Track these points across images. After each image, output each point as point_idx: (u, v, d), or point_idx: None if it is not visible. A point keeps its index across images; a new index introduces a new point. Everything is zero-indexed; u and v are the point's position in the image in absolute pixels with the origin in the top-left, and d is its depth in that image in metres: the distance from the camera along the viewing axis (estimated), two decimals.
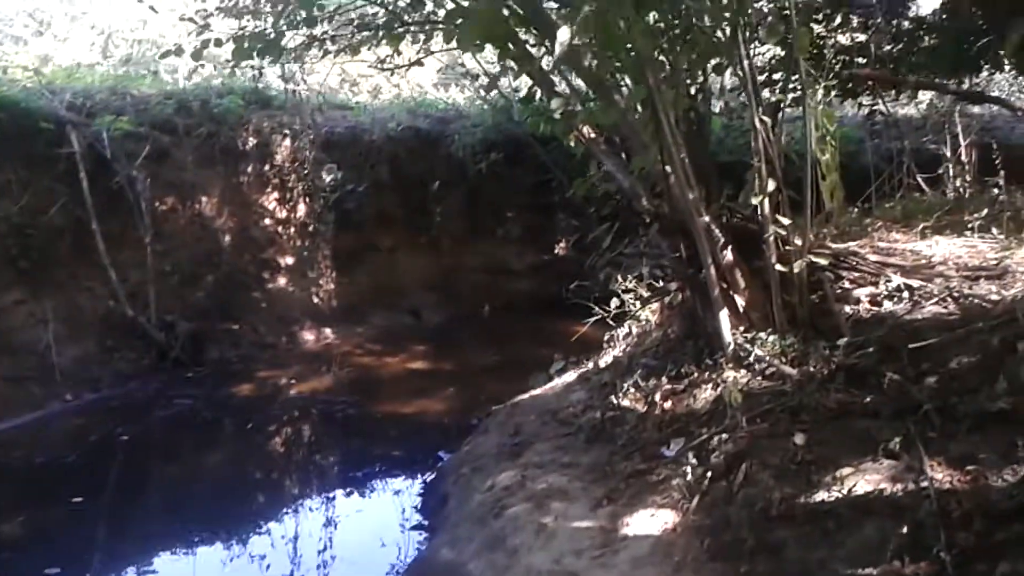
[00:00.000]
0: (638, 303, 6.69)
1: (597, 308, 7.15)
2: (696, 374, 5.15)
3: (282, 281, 11.78)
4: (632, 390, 5.35)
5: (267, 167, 12.11)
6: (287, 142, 12.35)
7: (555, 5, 5.64)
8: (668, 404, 5.02)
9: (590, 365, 6.81)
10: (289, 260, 11.95)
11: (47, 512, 5.76)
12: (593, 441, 5.14)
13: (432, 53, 7.00)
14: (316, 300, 12.03)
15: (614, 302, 6.94)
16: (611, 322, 7.01)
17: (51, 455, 6.74)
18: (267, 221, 11.94)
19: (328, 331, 11.70)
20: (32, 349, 8.49)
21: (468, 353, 10.80)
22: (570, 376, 6.83)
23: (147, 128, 10.76)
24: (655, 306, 6.56)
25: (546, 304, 13.77)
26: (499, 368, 9.97)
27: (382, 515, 6.01)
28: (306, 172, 12.37)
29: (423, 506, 5.86)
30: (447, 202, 13.66)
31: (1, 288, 8.64)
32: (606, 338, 7.18)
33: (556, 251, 14.10)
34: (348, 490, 6.56)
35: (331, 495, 6.49)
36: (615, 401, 5.34)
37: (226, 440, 7.52)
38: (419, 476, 6.47)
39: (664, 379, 5.24)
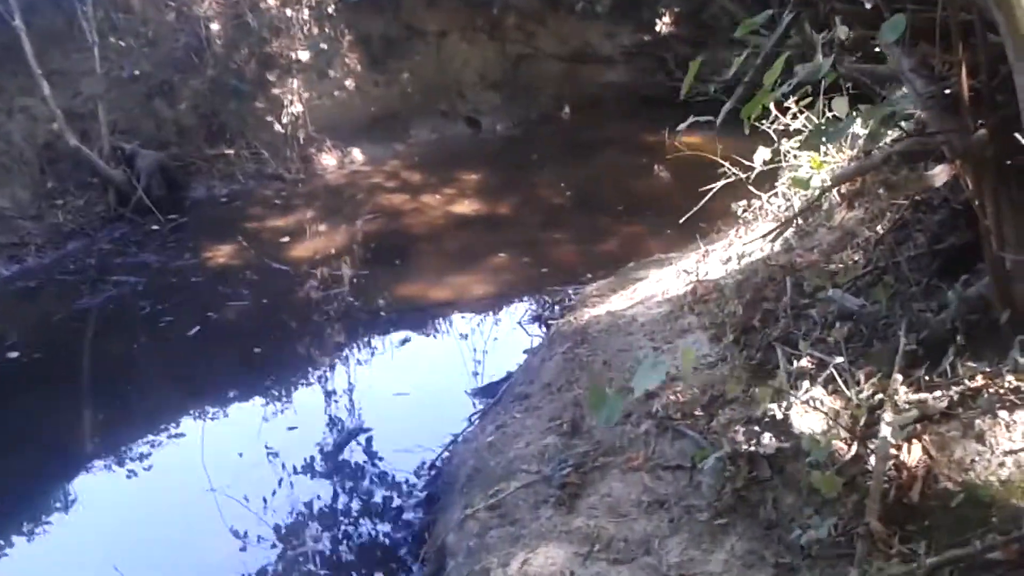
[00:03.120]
0: (819, 165, 3.67)
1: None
2: (983, 377, 2.23)
3: (293, 84, 8.91)
4: (819, 388, 2.50)
5: None
6: None
7: None
8: (916, 454, 2.17)
9: (713, 255, 3.94)
10: (303, 55, 9.00)
11: None
12: (735, 515, 2.37)
13: None
14: (340, 109, 9.17)
15: (760, 155, 3.97)
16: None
17: None
18: (270, 2, 8.91)
19: (356, 152, 8.93)
20: None
21: (536, 183, 7.91)
22: (675, 267, 3.99)
23: None
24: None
25: (647, 103, 10.59)
26: (576, 213, 7.11)
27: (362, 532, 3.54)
28: None
29: (414, 538, 3.35)
30: None
31: None
32: (739, 212, 4.26)
33: (659, 28, 10.64)
34: (305, 473, 4.05)
35: (278, 485, 4.01)
36: (778, 411, 2.51)
37: (141, 360, 5.02)
38: (425, 455, 3.88)
39: (897, 376, 2.34)
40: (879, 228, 3.07)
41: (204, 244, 6.65)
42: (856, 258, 3.00)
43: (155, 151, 7.63)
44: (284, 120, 8.54)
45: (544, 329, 4.79)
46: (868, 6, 2.48)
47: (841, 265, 3.01)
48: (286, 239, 6.69)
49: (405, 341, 5.13)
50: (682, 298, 3.65)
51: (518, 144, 9.48)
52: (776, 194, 4.16)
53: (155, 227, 7.01)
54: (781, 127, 4.00)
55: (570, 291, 5.14)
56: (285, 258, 6.34)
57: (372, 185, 8.06)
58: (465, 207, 7.27)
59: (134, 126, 7.86)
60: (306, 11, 9.12)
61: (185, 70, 8.21)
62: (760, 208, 4.24)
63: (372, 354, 5.10)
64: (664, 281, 4.13)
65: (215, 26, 8.50)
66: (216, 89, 8.26)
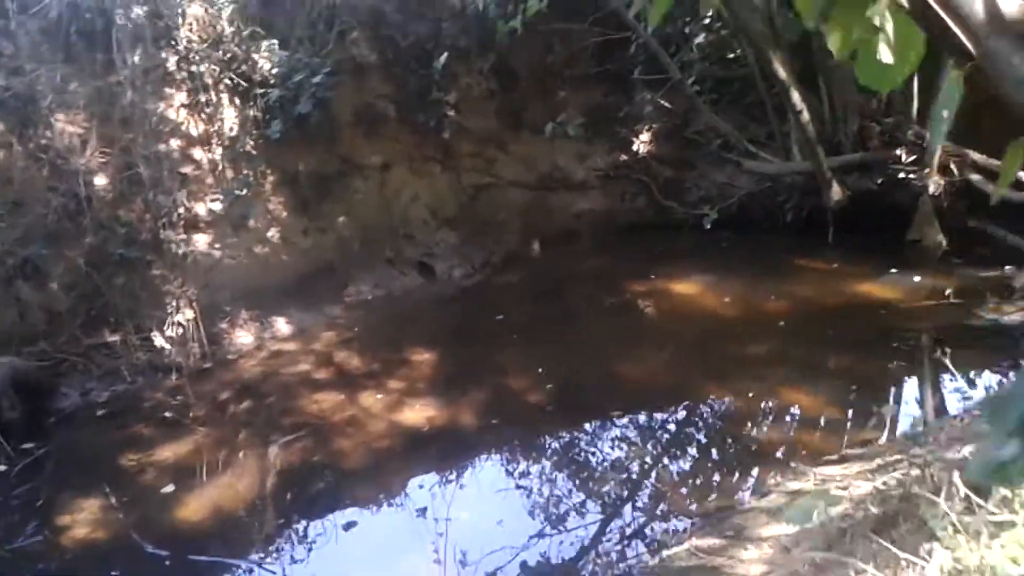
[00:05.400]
0: None
1: None
2: None
3: (201, 243, 7.26)
4: None
5: (164, 54, 7.37)
6: (195, 8, 7.54)
7: None
8: None
9: None
10: (213, 205, 7.39)
11: None
12: None
13: None
14: (261, 268, 7.52)
15: None
16: None
17: None
18: (171, 144, 7.30)
19: (280, 323, 7.25)
20: None
21: (505, 367, 6.24)
22: None
23: None
24: None
25: (627, 231, 9.12)
26: (559, 421, 5.42)
27: None
28: (229, 56, 7.61)
29: None
30: (465, 84, 8.84)
31: None
32: None
33: (637, 147, 9.23)
34: None
35: None
36: None
37: None
38: None
39: None
40: None
41: (60, 502, 4.84)
42: None
43: (13, 355, 5.89)
44: (186, 292, 6.85)
45: None
46: None
47: None
48: (171, 488, 4.91)
49: None
50: None
51: (480, 297, 7.87)
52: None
53: (1, 468, 5.22)
54: None
55: None
56: (166, 526, 4.54)
57: (296, 377, 6.33)
58: (416, 414, 5.56)
59: None
60: (218, 151, 7.54)
61: (57, 240, 6.51)
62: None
63: None
64: None
65: (100, 180, 6.86)
66: (97, 261, 6.57)
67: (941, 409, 5.08)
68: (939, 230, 7.41)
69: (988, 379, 5.33)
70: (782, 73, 7.15)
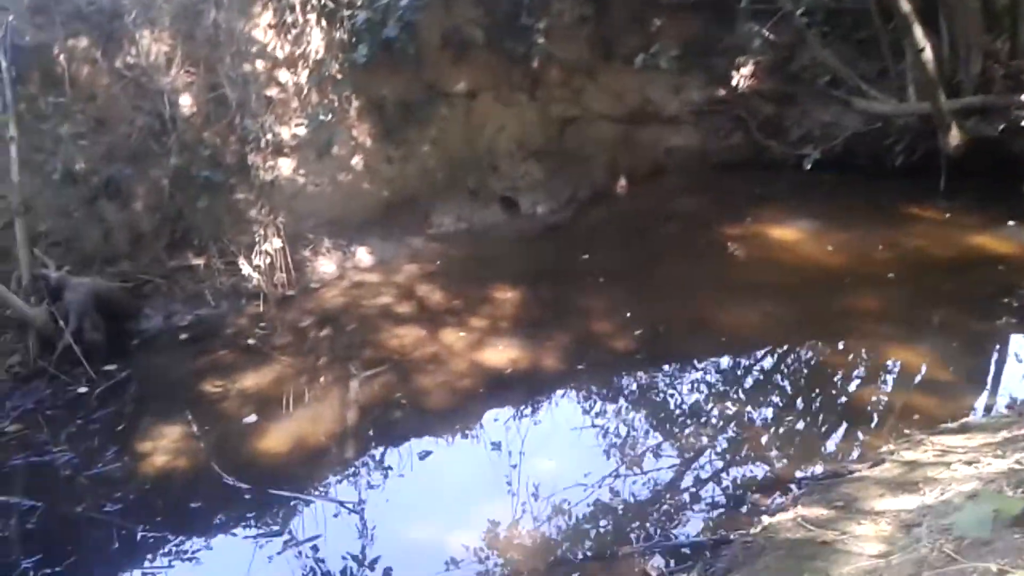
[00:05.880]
0: None
1: None
2: None
3: (285, 168, 7.12)
4: None
5: None
6: None
7: None
8: None
9: None
10: (297, 130, 7.22)
11: None
12: None
13: None
14: (344, 196, 7.36)
15: None
16: None
17: None
18: (256, 66, 7.12)
19: (361, 252, 7.12)
20: None
21: (591, 310, 5.98)
22: None
23: None
24: None
25: (720, 170, 8.68)
26: (650, 370, 5.21)
27: None
28: None
29: None
30: (556, 9, 8.40)
31: None
32: None
33: (736, 81, 8.71)
34: None
35: None
36: None
37: None
38: None
39: None
40: None
41: (140, 427, 4.84)
42: None
43: (95, 275, 5.87)
44: (273, 218, 6.74)
45: None
46: None
47: None
48: (253, 418, 4.85)
49: None
50: None
51: (565, 234, 7.59)
52: None
53: (83, 389, 5.23)
54: None
55: None
56: (247, 458, 4.49)
57: (378, 309, 6.21)
58: (498, 355, 5.38)
59: (73, 236, 6.11)
60: (304, 74, 7.34)
61: (141, 160, 6.44)
62: None
63: None
64: None
65: (184, 100, 6.74)
66: (182, 182, 6.49)
67: None
68: None
69: None
70: (904, 6, 6.59)
